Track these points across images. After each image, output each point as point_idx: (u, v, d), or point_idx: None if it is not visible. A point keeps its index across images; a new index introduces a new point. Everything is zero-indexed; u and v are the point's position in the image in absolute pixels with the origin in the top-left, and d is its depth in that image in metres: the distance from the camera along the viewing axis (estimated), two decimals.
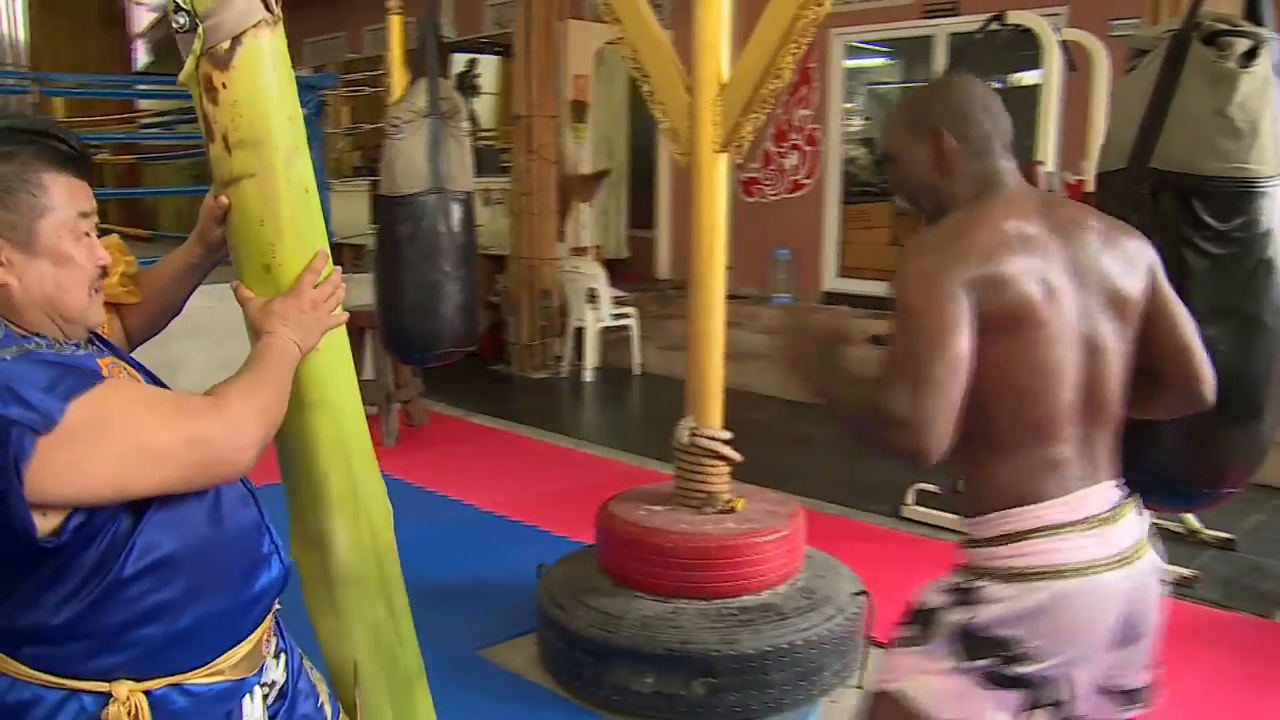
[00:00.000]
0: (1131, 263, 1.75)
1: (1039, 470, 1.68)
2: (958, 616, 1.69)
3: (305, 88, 7.37)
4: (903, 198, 1.89)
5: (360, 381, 6.20)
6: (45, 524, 1.33)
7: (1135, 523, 1.75)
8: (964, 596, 1.69)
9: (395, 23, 6.61)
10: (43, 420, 1.30)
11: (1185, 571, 4.03)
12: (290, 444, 1.84)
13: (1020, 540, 1.66)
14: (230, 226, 1.73)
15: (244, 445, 1.47)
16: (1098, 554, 1.66)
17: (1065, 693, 1.69)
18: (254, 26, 1.63)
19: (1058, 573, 1.64)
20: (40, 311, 1.44)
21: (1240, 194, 2.14)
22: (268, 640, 1.65)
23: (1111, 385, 1.72)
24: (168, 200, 12.67)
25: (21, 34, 12.41)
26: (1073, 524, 1.66)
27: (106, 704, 1.42)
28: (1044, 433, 1.67)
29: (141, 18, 15.66)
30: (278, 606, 1.69)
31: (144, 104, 12.85)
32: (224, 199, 1.71)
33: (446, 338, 4.60)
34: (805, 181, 8.88)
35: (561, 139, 8.67)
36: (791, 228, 8.82)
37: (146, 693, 1.45)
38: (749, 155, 9.03)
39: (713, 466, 3.30)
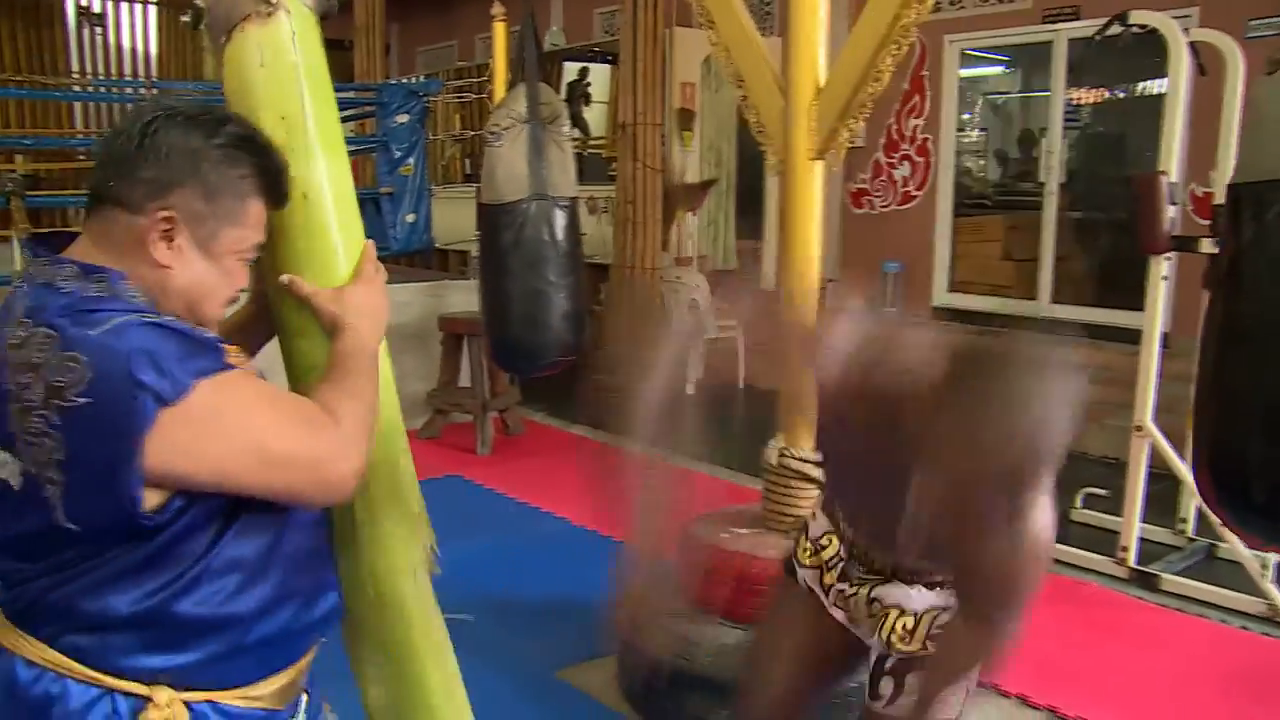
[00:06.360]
0: None
1: None
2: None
3: (409, 94, 7.44)
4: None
5: (457, 388, 6.09)
6: (150, 500, 1.27)
7: None
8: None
9: (500, 29, 6.60)
10: (171, 391, 1.24)
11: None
12: None
13: None
14: None
15: (352, 471, 1.40)
16: None
17: None
18: (243, 20, 1.53)
19: None
20: (182, 305, 1.40)
21: None
22: (304, 676, 1.56)
23: None
24: None
25: (154, 47, 12.85)
26: None
27: (142, 708, 1.34)
28: None
29: None
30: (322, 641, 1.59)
31: None
32: None
33: (553, 348, 4.54)
34: (916, 193, 8.63)
35: (668, 147, 8.58)
36: (902, 240, 8.58)
37: (186, 704, 1.36)
38: (859, 166, 8.83)
39: (800, 488, 3.15)
